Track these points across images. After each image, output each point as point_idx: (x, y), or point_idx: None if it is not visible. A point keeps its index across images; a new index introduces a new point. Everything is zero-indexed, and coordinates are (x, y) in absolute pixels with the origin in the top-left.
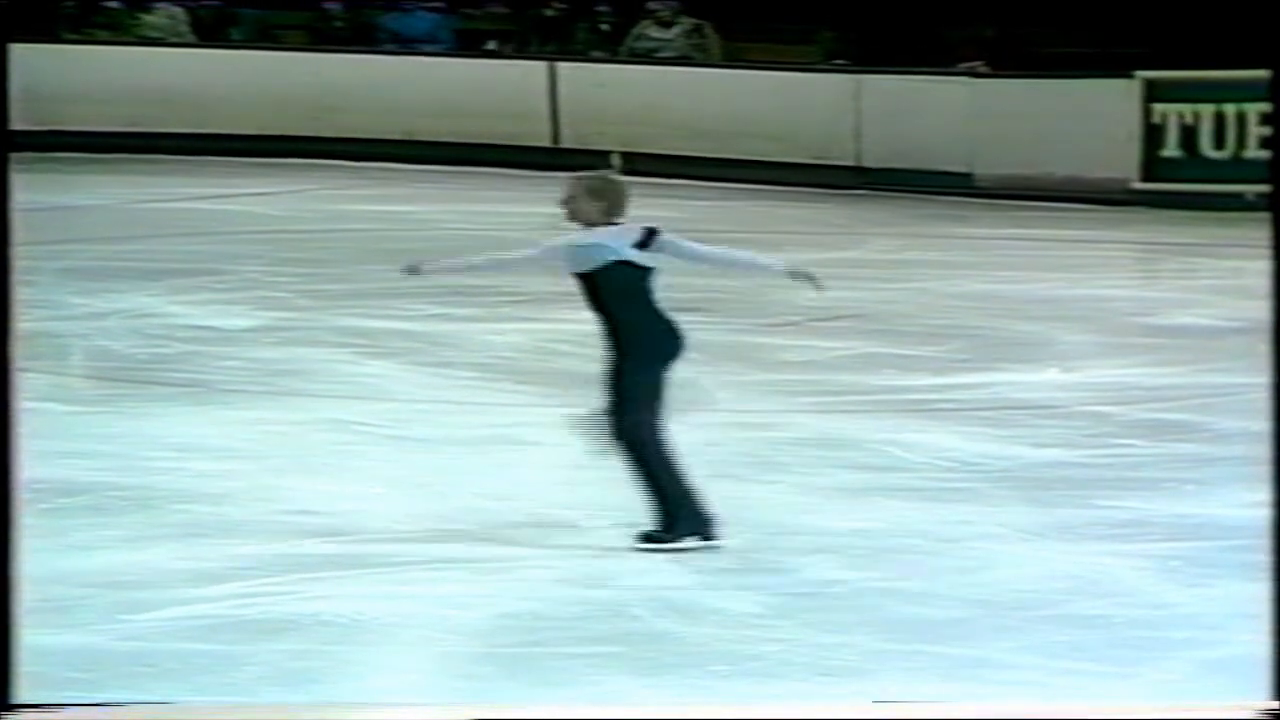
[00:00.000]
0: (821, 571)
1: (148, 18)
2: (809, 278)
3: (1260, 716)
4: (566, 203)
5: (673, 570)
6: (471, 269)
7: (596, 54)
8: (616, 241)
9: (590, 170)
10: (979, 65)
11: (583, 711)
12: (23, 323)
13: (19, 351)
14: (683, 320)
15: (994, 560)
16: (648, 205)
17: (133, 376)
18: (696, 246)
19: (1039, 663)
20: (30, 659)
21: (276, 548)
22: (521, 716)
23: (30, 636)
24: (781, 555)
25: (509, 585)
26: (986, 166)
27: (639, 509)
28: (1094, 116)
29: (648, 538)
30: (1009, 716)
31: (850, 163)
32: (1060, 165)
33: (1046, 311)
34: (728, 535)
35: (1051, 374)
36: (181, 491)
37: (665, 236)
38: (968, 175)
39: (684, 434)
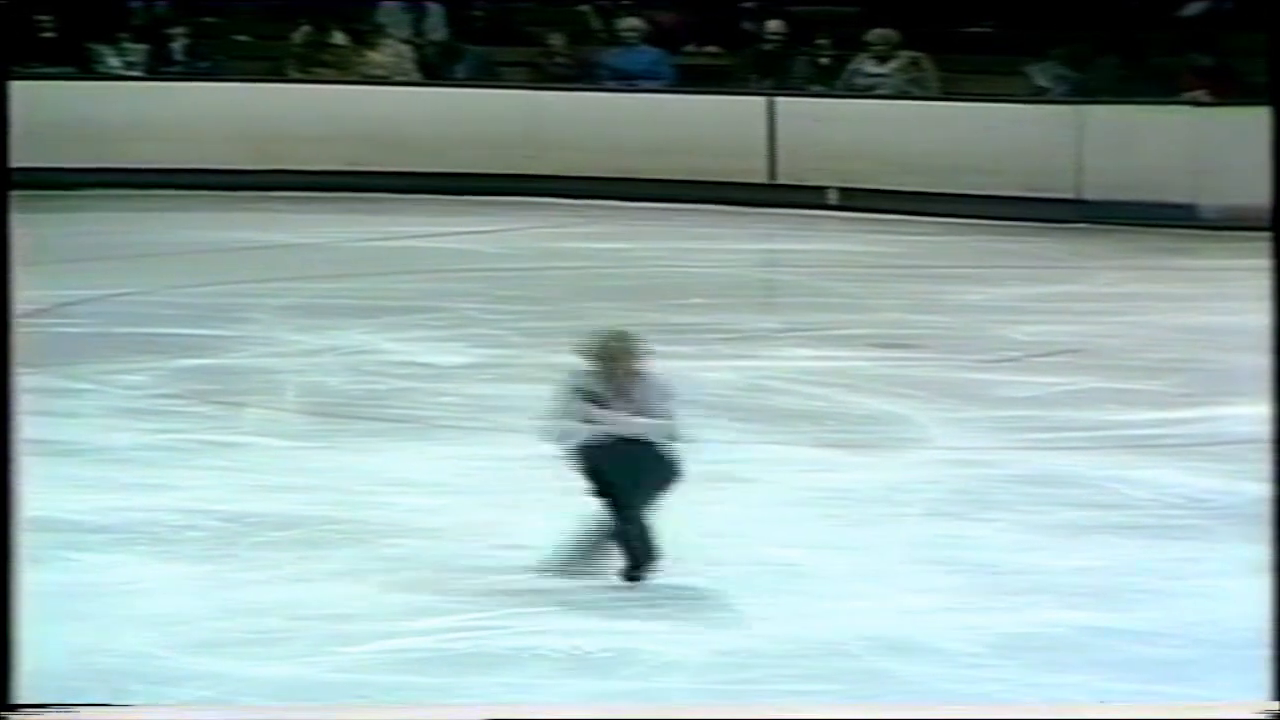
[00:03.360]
0: (1043, 612)
1: (373, 55)
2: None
3: (1260, 716)
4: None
5: (891, 609)
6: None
7: (815, 88)
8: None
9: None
10: (1201, 94)
11: (583, 711)
12: (240, 358)
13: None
14: (897, 357)
15: (1222, 598)
16: (864, 241)
17: (347, 412)
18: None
19: (1269, 703)
20: (241, 689)
21: (490, 582)
22: (522, 716)
23: (240, 667)
24: (1002, 595)
25: (723, 621)
26: (1210, 197)
27: (860, 546)
28: None
29: (628, 575)
30: (1009, 716)
31: (1071, 195)
32: None
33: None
34: (947, 574)
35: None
36: (394, 525)
37: None
38: (1191, 207)
39: (900, 473)
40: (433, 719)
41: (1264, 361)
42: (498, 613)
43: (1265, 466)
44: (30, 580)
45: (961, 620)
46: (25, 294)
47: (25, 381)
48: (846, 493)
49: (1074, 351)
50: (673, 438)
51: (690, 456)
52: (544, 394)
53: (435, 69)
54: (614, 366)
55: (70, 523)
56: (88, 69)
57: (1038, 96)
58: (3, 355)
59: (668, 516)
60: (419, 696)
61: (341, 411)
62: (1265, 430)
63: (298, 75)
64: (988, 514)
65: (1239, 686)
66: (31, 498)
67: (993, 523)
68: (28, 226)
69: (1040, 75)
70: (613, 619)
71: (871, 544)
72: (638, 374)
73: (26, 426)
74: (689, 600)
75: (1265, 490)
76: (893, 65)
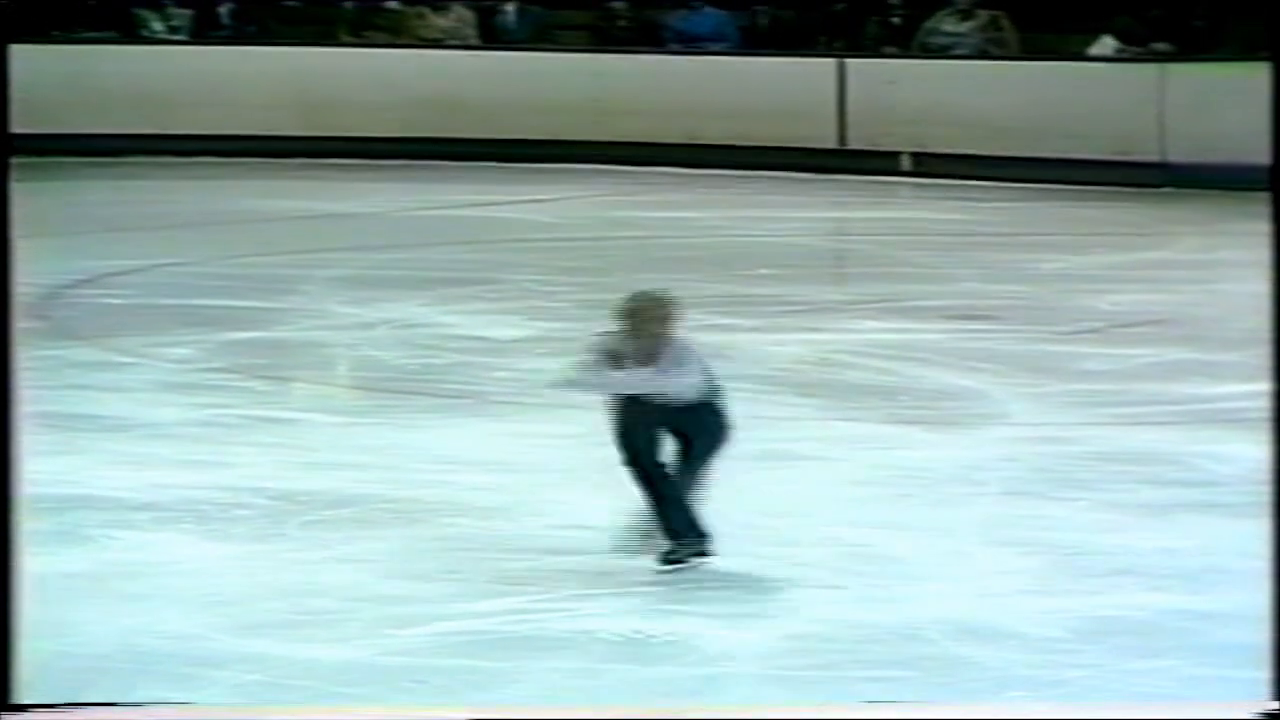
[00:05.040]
0: (1128, 594)
1: (436, 19)
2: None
3: (1260, 716)
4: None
5: (968, 593)
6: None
7: (888, 49)
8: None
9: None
10: None
11: (583, 712)
12: (289, 332)
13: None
14: (973, 329)
15: None
16: (939, 208)
17: (400, 387)
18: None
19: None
20: (290, 670)
21: (549, 562)
22: (522, 717)
23: (291, 648)
24: (1084, 577)
25: (793, 605)
26: None
27: (935, 528)
28: None
29: (666, 559)
30: (1009, 716)
31: (1154, 159)
32: None
33: None
34: (1027, 556)
35: None
36: (450, 504)
37: None
38: None
39: (976, 450)
40: (429, 718)
41: None
42: (556, 595)
43: None
44: (74, 558)
45: (1042, 604)
46: (68, 264)
47: (69, 355)
48: (920, 471)
49: (1159, 322)
50: (703, 403)
51: (756, 433)
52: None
53: (494, 32)
54: (639, 326)
55: (114, 500)
56: (132, 34)
57: (1120, 55)
58: (3, 354)
59: (733, 496)
60: (474, 681)
61: (394, 387)
62: None
63: (349, 39)
64: (1068, 493)
65: None
66: (75, 474)
67: (1074, 502)
68: (71, 194)
69: (1099, 49)
70: (677, 603)
71: (947, 525)
72: (665, 336)
73: (70, 400)
74: (755, 583)
75: None
76: (971, 24)
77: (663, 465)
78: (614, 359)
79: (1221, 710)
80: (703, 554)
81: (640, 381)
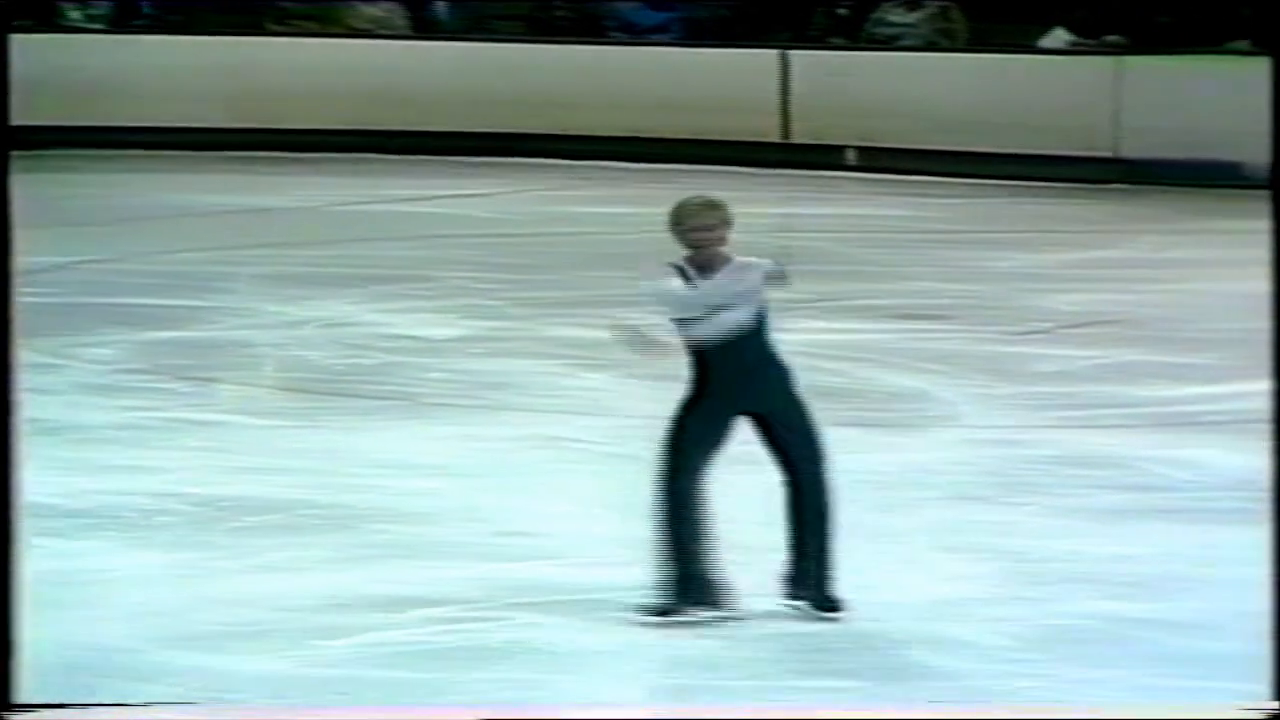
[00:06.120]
0: (1081, 602)
1: (366, 8)
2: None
3: (1260, 717)
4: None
5: (916, 600)
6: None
7: (833, 41)
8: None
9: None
10: (1246, 44)
11: (583, 711)
12: (215, 331)
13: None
14: (923, 329)
15: (1271, 588)
16: (886, 204)
17: (331, 389)
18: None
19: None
20: (218, 683)
21: (483, 571)
22: (525, 717)
23: (217, 661)
24: (1036, 584)
25: (742, 614)
26: (1257, 155)
27: (883, 533)
28: None
29: (659, 610)
30: (1009, 716)
31: (1109, 154)
32: None
33: None
34: (978, 562)
35: None
36: (382, 510)
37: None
38: (1237, 165)
39: (926, 453)
40: (429, 719)
41: None
42: (493, 604)
43: None
44: None
45: (992, 611)
46: None
47: None
48: (868, 475)
49: (1114, 322)
50: (774, 364)
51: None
52: (541, 369)
53: (428, 23)
54: (689, 234)
55: (37, 506)
56: (51, 23)
57: (1074, 48)
58: (4, 358)
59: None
60: (408, 693)
61: (325, 388)
62: None
63: (277, 29)
64: (1020, 497)
65: None
66: None
67: (1025, 507)
68: None
69: (1052, 42)
70: (614, 611)
71: (896, 530)
72: (720, 240)
73: None
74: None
75: None
76: (920, 14)
77: (696, 499)
78: (681, 275)
79: (1222, 710)
80: (715, 604)
81: (708, 292)
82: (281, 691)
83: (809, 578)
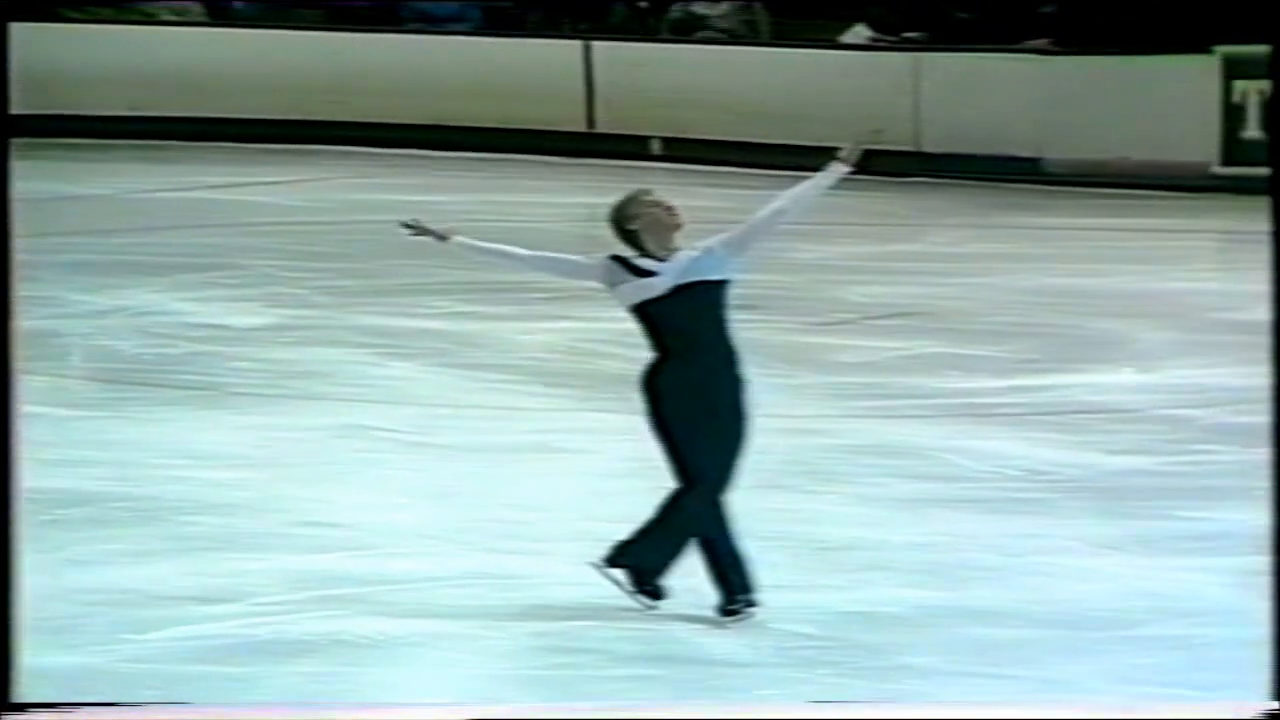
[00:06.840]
0: (880, 589)
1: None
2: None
3: (1260, 716)
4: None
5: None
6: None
7: (635, 32)
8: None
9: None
10: (1046, 43)
11: (583, 711)
12: (21, 321)
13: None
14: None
15: (1065, 576)
16: (690, 194)
17: (137, 378)
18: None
19: (1115, 687)
20: (27, 680)
21: (292, 563)
22: (522, 717)
23: (26, 658)
24: (836, 572)
25: (541, 603)
26: (1055, 151)
27: None
28: (1170, 96)
29: (725, 610)
30: (1009, 716)
31: (909, 148)
32: (1134, 149)
33: (1121, 307)
34: (778, 550)
35: (1127, 375)
36: (190, 502)
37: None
38: (1035, 161)
39: None
40: (429, 719)
41: (1112, 326)
42: (302, 596)
43: (1113, 437)
44: None
45: (792, 599)
46: None
47: None
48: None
49: (913, 314)
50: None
51: (507, 424)
52: (348, 358)
53: (223, 10)
54: (647, 213)
55: None
56: None
57: (874, 43)
58: (4, 359)
59: (485, 490)
60: (216, 687)
61: (131, 378)
62: (1113, 399)
63: (73, 14)
64: (821, 486)
65: (1084, 673)
66: None
67: (825, 495)
68: None
69: (852, 37)
70: (421, 602)
71: None
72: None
73: None
74: (504, 580)
75: (1112, 462)
76: (722, 7)
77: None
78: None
79: (1222, 710)
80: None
81: (680, 270)
82: (94, 687)
83: (645, 558)
